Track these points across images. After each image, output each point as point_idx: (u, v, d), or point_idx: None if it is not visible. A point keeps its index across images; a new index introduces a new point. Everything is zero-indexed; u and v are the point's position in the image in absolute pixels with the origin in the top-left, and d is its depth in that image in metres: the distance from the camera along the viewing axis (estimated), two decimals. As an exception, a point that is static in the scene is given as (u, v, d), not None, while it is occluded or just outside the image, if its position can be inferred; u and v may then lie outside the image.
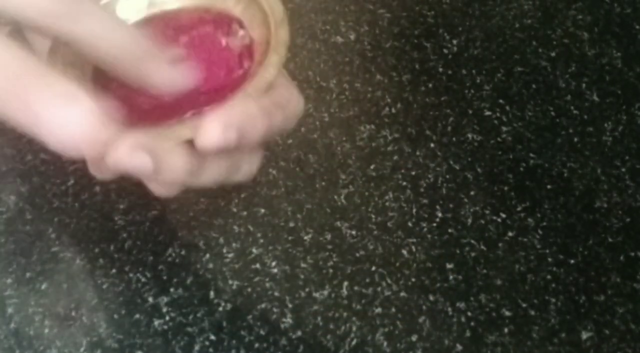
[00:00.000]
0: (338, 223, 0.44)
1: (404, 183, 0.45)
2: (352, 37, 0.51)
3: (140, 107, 0.31)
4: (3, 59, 0.25)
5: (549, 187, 0.45)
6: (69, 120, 0.25)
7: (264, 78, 0.29)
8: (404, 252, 0.43)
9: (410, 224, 0.44)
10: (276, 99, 0.30)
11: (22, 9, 0.26)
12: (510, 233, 0.43)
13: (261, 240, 0.43)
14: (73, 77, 0.30)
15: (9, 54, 0.25)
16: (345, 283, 0.42)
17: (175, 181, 0.29)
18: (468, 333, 0.40)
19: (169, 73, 0.30)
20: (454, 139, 0.47)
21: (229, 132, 0.27)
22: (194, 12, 0.33)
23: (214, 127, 0.27)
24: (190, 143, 0.28)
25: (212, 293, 0.41)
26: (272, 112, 0.30)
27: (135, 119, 0.30)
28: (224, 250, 0.43)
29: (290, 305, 0.41)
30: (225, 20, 0.33)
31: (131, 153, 0.26)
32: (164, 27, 0.33)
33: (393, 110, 0.48)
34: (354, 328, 0.40)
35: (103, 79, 0.31)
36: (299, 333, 0.40)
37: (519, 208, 0.44)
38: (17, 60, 0.25)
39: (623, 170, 0.46)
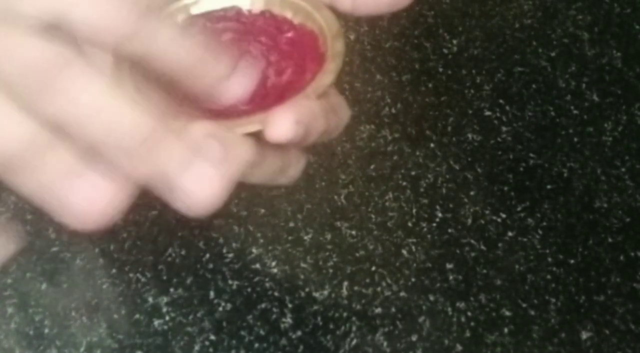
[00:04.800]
0: (338, 223, 0.44)
1: (404, 183, 0.45)
2: (352, 37, 0.51)
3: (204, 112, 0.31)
4: (134, 119, 0.25)
5: (549, 187, 0.45)
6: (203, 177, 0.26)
7: (323, 82, 0.31)
8: (404, 252, 0.43)
9: (410, 224, 0.44)
10: (331, 104, 0.31)
11: (93, 33, 0.26)
12: (510, 233, 0.43)
13: (261, 240, 0.43)
14: (144, 89, 0.30)
15: (139, 113, 0.25)
16: (345, 283, 0.42)
17: (236, 173, 0.29)
18: (468, 333, 0.40)
19: (231, 86, 0.31)
20: (454, 139, 0.47)
21: (298, 126, 0.28)
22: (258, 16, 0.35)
23: (285, 120, 0.28)
24: (253, 137, 0.28)
25: (212, 293, 0.41)
26: (329, 114, 0.31)
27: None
28: (224, 250, 0.43)
29: (290, 305, 0.41)
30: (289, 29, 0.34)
31: (202, 140, 0.26)
32: (224, 27, 0.34)
33: (393, 110, 0.48)
34: (354, 328, 0.40)
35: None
36: (299, 333, 0.40)
37: (519, 208, 0.44)
38: (145, 120, 0.25)
39: (623, 170, 0.46)
